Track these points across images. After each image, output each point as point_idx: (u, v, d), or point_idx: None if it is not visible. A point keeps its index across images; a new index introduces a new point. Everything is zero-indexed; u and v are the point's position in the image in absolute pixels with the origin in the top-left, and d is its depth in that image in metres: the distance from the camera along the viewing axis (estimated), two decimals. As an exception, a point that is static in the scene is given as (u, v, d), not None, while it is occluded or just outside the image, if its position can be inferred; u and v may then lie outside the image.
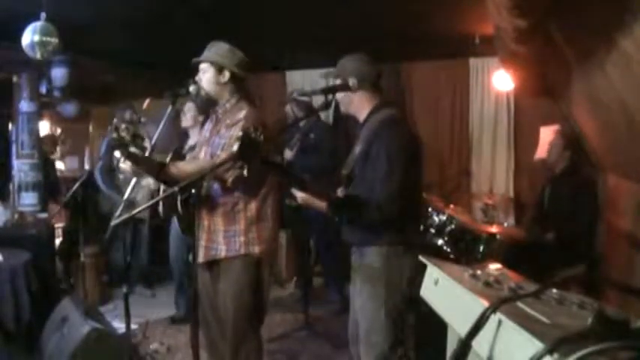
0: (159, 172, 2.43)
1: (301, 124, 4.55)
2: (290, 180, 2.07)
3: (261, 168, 2.37)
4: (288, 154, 4.52)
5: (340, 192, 2.19)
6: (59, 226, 5.06)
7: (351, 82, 2.12)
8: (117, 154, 2.25)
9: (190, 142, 3.88)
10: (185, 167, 2.52)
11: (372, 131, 2.11)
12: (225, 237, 2.41)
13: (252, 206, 2.42)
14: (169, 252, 4.12)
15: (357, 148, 2.18)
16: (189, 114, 3.93)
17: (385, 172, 1.99)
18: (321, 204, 2.06)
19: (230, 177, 2.32)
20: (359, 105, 2.20)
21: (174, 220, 3.96)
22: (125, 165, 2.35)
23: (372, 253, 2.07)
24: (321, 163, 4.21)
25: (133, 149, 2.26)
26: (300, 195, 2.08)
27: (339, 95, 2.20)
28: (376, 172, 2.02)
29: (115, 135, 2.18)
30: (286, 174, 2.16)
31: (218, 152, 2.38)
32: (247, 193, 2.41)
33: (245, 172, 2.14)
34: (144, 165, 2.41)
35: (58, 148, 5.70)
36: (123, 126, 2.23)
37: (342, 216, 2.12)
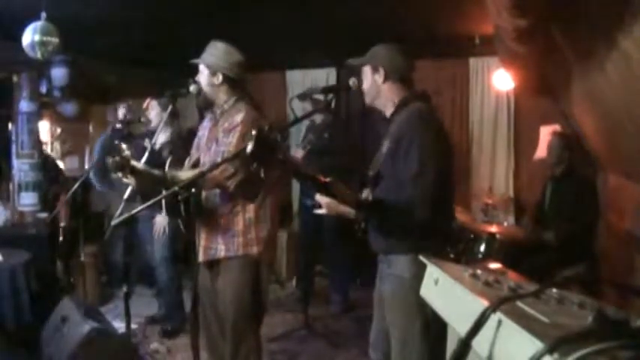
0: (166, 185, 2.39)
1: (317, 122, 4.50)
2: (314, 184, 1.84)
3: (264, 170, 2.36)
4: (299, 153, 4.50)
5: (366, 193, 2.05)
6: (60, 225, 5.06)
7: (351, 81, 2.07)
8: (119, 175, 2.20)
9: (160, 139, 3.76)
10: (189, 175, 2.49)
11: (400, 127, 1.95)
12: (224, 238, 2.41)
13: (251, 207, 2.42)
14: (154, 252, 4.06)
15: (385, 146, 2.01)
16: (153, 112, 3.85)
17: (417, 172, 1.83)
18: (348, 210, 1.91)
19: (232, 184, 2.32)
20: (386, 98, 2.05)
21: (157, 220, 3.94)
22: (129, 180, 2.32)
23: (401, 262, 1.93)
24: (334, 164, 4.17)
25: (135, 164, 2.24)
26: (325, 201, 1.91)
27: (365, 86, 2.07)
28: (407, 171, 1.85)
29: (117, 158, 2.13)
30: (310, 178, 1.91)
31: (219, 160, 2.34)
32: (246, 195, 2.41)
33: (262, 174, 2.06)
34: (148, 181, 2.38)
35: (56, 145, 5.69)
36: (124, 146, 2.18)
37: (372, 221, 1.95)
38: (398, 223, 1.88)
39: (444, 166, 1.91)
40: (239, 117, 2.38)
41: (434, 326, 1.88)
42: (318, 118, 4.46)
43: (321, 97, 4.38)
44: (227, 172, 2.28)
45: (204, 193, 2.44)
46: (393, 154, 1.93)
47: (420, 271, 1.87)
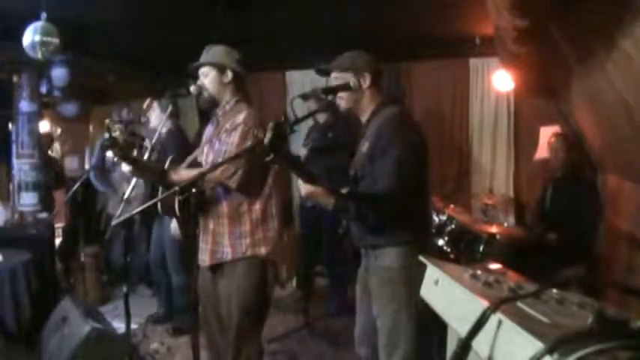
0: (160, 177, 2.42)
1: (321, 122, 4.51)
2: (298, 171, 1.98)
3: (266, 165, 2.39)
4: (302, 152, 4.50)
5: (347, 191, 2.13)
6: (59, 226, 5.07)
7: (352, 81, 2.09)
8: (109, 154, 2.24)
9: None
10: (187, 175, 2.50)
11: (378, 129, 2.06)
12: (230, 239, 2.40)
13: (257, 207, 2.42)
14: (150, 252, 4.09)
15: (364, 147, 2.12)
16: (154, 114, 3.85)
17: (391, 169, 1.94)
18: (327, 200, 1.97)
19: (234, 183, 2.32)
20: (366, 102, 2.15)
21: (157, 221, 3.95)
22: (125, 167, 2.34)
23: (389, 254, 2.02)
24: (337, 163, 4.16)
25: (134, 155, 2.26)
26: (305, 188, 1.98)
27: (344, 92, 2.13)
28: (383, 169, 1.96)
29: (107, 135, 2.17)
30: (295, 165, 2.06)
31: (220, 160, 2.35)
32: (249, 193, 2.41)
33: (274, 164, 2.15)
34: (144, 170, 2.41)
35: (56, 146, 5.70)
36: (116, 126, 2.22)
37: (348, 212, 2.03)
38: (373, 213, 1.98)
39: (419, 165, 2.05)
40: (240, 116, 2.39)
41: (421, 317, 1.97)
42: (322, 117, 4.47)
43: (324, 97, 4.43)
44: (227, 171, 2.29)
45: (207, 192, 2.43)
46: (371, 154, 2.04)
47: (406, 262, 1.98)
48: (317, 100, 4.37)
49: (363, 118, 2.19)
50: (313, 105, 4.36)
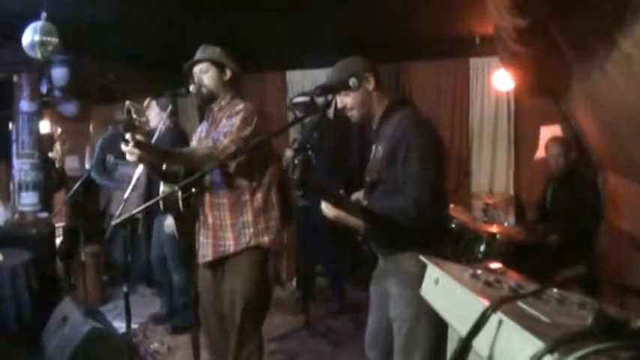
0: (164, 158, 2.37)
1: (305, 122, 4.51)
2: (326, 197, 1.88)
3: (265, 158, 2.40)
4: (289, 153, 4.51)
5: (356, 196, 2.10)
6: (59, 225, 5.06)
7: (351, 81, 2.05)
8: (128, 136, 2.21)
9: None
10: (192, 150, 2.49)
11: (395, 132, 1.96)
12: (233, 231, 2.40)
13: (259, 196, 2.42)
14: (150, 251, 4.10)
15: (378, 153, 2.03)
16: (152, 112, 3.83)
17: (418, 174, 1.86)
18: (356, 222, 1.91)
19: (232, 164, 2.34)
20: (375, 106, 2.07)
21: (157, 220, 3.95)
22: (130, 149, 2.31)
23: (408, 259, 1.94)
24: (323, 163, 4.17)
25: (139, 137, 2.26)
26: (332, 212, 1.91)
27: (355, 101, 2.04)
28: (407, 174, 1.88)
29: (127, 116, 2.20)
30: (324, 192, 1.93)
31: (221, 138, 2.35)
32: (251, 183, 2.41)
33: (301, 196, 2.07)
34: (150, 150, 2.38)
35: (57, 147, 5.69)
36: (134, 109, 2.25)
37: (377, 229, 1.94)
38: (402, 224, 1.89)
39: (441, 167, 1.96)
40: (239, 106, 2.43)
41: (438, 323, 1.91)
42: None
43: (301, 99, 4.44)
44: (228, 150, 2.28)
45: (207, 176, 2.40)
46: (389, 159, 1.94)
47: (425, 267, 1.95)
48: (296, 106, 4.39)
49: (374, 123, 2.09)
50: (297, 112, 4.41)
